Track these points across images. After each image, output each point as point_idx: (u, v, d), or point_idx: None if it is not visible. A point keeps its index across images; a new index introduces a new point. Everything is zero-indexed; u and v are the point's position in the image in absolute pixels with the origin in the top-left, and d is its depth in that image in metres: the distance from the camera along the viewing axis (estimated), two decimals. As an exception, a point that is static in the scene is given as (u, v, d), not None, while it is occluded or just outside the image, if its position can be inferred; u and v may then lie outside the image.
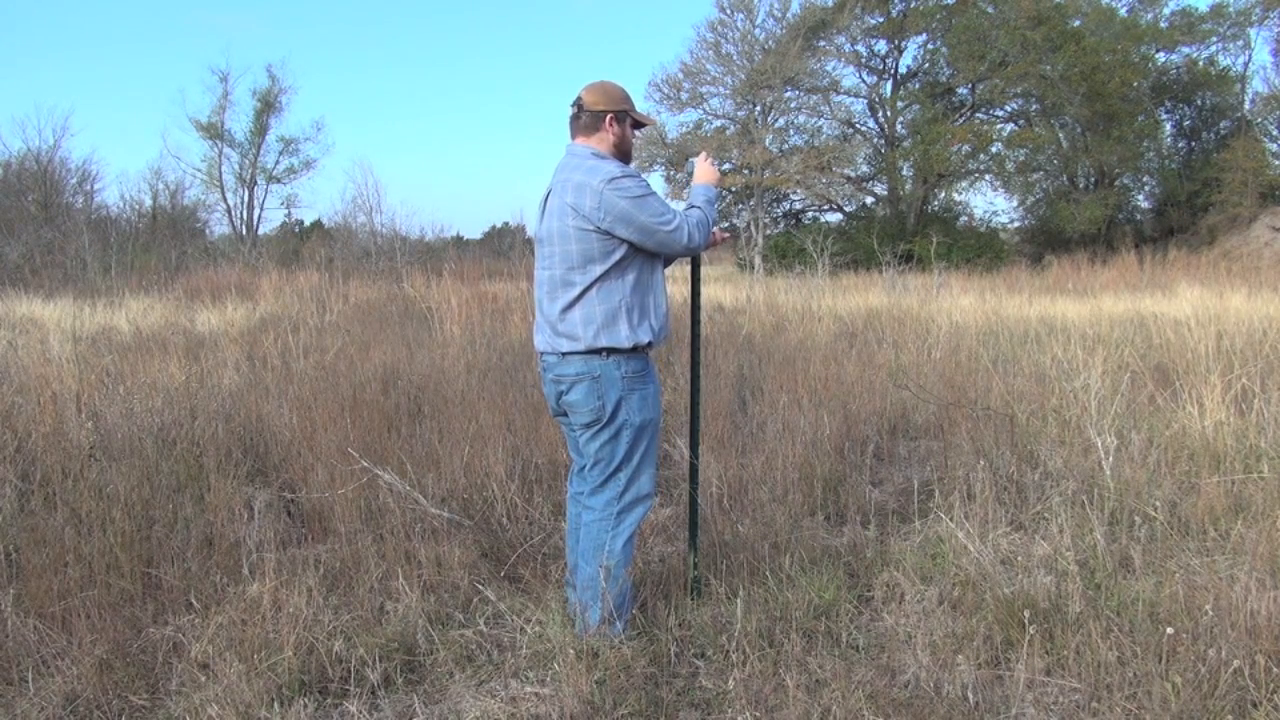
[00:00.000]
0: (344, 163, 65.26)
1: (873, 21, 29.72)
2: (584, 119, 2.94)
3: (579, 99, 2.95)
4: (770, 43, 28.02)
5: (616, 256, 2.81)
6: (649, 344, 2.89)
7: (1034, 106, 29.32)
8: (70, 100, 70.75)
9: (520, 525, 3.85)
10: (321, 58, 63.30)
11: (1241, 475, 4.09)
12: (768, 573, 3.31)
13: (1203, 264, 19.17)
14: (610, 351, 2.82)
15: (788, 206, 31.98)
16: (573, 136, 2.99)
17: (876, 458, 4.97)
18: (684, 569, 3.29)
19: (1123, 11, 29.09)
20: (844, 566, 3.48)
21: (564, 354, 2.86)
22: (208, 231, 32.32)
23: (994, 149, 29.20)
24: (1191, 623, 2.73)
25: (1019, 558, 3.43)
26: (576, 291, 2.82)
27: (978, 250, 26.01)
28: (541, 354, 2.98)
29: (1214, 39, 28.89)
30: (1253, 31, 28.53)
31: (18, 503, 3.86)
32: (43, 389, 4.98)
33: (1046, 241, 28.80)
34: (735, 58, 28.39)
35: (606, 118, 2.92)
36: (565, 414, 2.97)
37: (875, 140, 31.19)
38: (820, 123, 30.67)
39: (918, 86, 30.52)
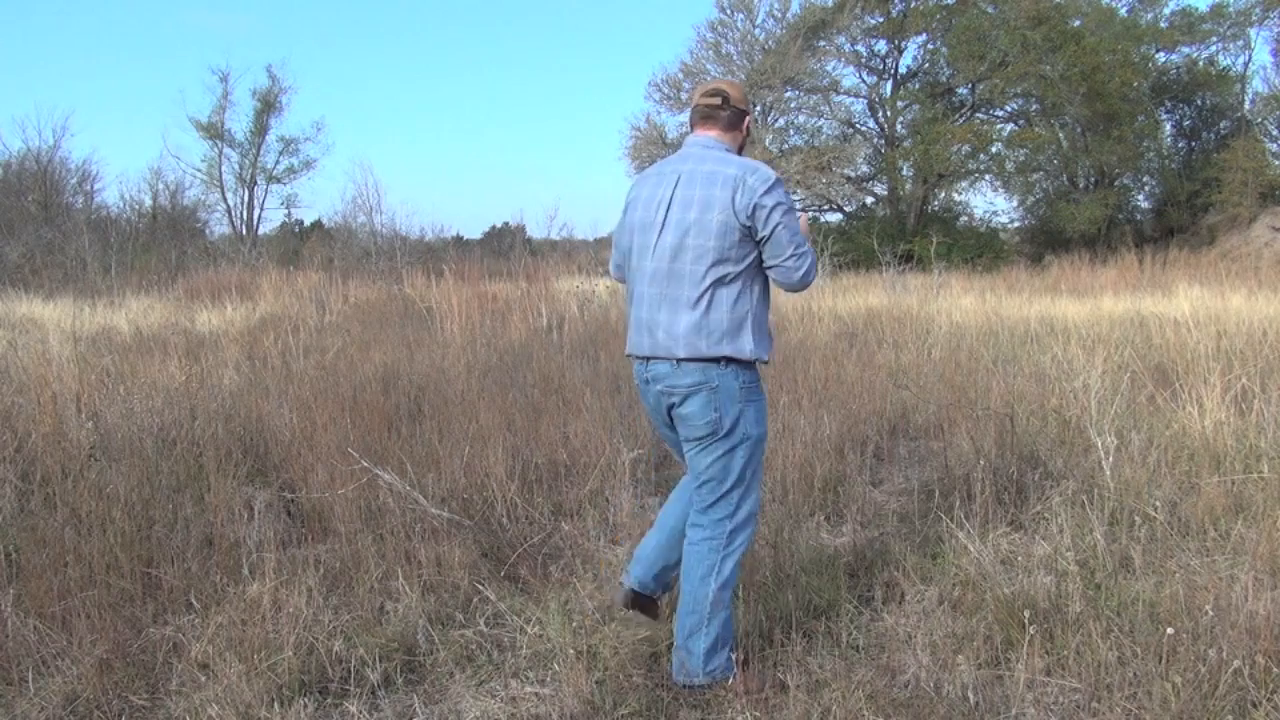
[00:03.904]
0: (344, 163, 65.47)
1: (873, 21, 29.66)
2: (728, 114, 2.75)
3: (723, 92, 2.75)
4: (770, 43, 28.00)
5: (750, 260, 2.61)
6: (765, 361, 2.69)
7: (1034, 106, 29.28)
8: (70, 100, 70.53)
9: (520, 525, 3.85)
10: (321, 58, 63.17)
11: (1241, 475, 4.08)
12: (767, 573, 3.31)
13: (1203, 264, 19.15)
14: (729, 361, 2.59)
15: (788, 207, 31.95)
16: (704, 128, 2.77)
17: (876, 458, 4.97)
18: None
19: (1123, 11, 29.05)
20: (844, 566, 3.48)
21: (679, 360, 2.60)
22: (208, 231, 32.21)
23: (994, 149, 29.14)
24: (1191, 623, 2.73)
25: (1019, 558, 3.43)
26: (704, 291, 2.58)
27: (978, 250, 25.98)
28: (647, 360, 2.69)
29: (1214, 39, 28.84)
30: (1253, 31, 28.48)
31: (18, 503, 3.86)
32: (43, 389, 4.97)
33: (1046, 241, 28.75)
34: (735, 58, 28.39)
35: (746, 119, 2.81)
36: (672, 426, 2.73)
37: (875, 140, 31.16)
38: (820, 123, 30.65)
39: (918, 86, 30.48)
